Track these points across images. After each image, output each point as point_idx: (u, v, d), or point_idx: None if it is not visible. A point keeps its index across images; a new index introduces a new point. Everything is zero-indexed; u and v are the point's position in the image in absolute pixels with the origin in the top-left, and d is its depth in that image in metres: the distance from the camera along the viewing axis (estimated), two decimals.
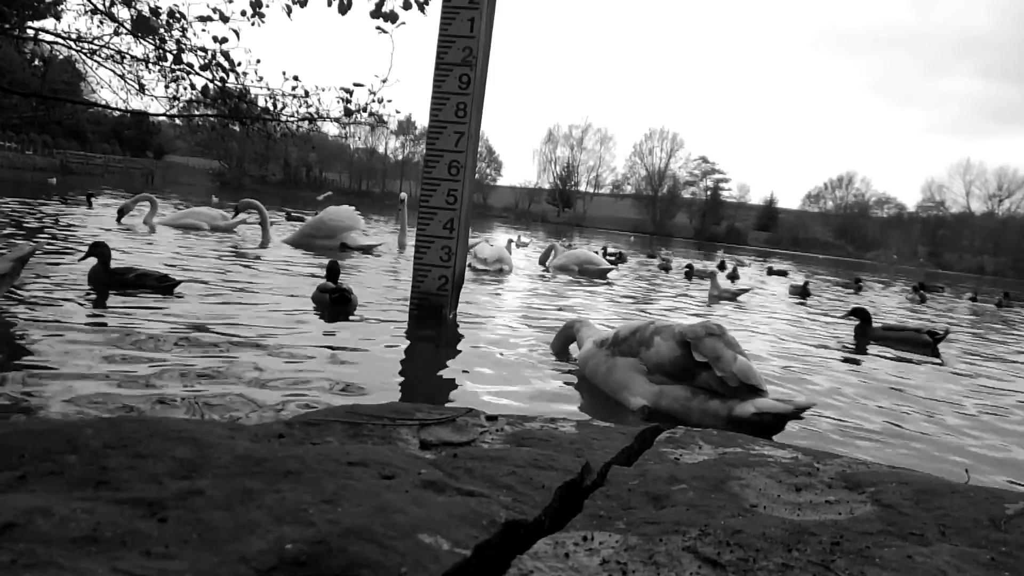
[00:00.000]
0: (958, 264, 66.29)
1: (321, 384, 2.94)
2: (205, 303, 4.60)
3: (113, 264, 4.87)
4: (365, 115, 7.05)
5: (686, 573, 0.94)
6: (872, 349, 6.19)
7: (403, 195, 12.19)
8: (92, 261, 4.85)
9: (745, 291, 9.73)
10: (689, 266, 14.12)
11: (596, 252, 12.98)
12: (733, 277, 13.96)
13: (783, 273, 18.93)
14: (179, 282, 4.97)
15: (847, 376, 4.69)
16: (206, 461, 1.10)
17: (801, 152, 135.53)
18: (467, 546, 0.90)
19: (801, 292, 11.89)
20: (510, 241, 14.48)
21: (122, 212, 10.20)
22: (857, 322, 6.81)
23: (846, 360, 5.43)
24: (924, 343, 6.55)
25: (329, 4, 5.89)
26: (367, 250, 9.43)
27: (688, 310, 7.91)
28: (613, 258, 15.02)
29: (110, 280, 4.75)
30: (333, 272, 5.36)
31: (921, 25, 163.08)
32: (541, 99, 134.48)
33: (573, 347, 4.27)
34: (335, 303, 4.88)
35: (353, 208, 9.91)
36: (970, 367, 5.85)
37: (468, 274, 6.03)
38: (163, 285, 4.81)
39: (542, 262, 11.64)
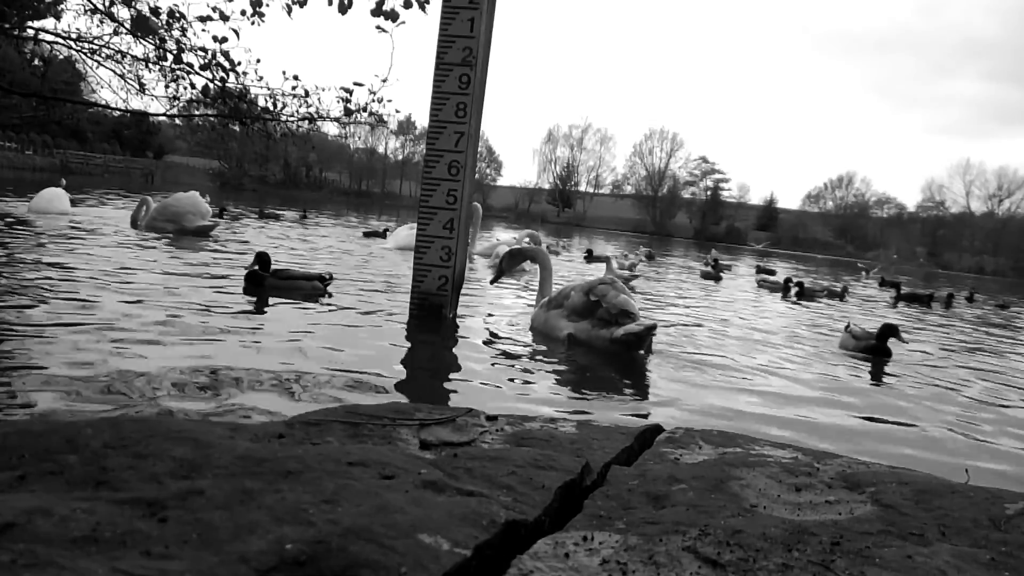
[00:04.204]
0: (957, 264, 66.21)
1: (321, 384, 2.94)
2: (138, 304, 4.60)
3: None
4: (365, 115, 7.03)
5: (686, 573, 0.94)
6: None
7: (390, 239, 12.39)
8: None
9: (636, 276, 10.99)
10: (588, 251, 15.82)
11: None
12: (632, 267, 13.93)
13: (771, 272, 18.84)
14: None
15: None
16: (206, 461, 1.10)
17: (801, 152, 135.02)
18: (467, 546, 0.90)
19: (801, 294, 11.66)
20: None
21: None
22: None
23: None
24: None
25: (329, 3, 5.88)
26: (202, 232, 9.97)
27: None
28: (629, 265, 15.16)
29: None
30: (264, 260, 5.59)
31: (926, 28, 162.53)
32: (541, 99, 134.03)
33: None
34: (326, 286, 5.65)
35: (197, 194, 10.48)
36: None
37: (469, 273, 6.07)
38: None
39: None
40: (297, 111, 7.21)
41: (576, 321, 4.51)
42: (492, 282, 5.86)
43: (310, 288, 5.55)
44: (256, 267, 5.57)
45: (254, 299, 5.07)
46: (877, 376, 4.90)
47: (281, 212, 18.98)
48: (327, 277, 5.75)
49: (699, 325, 6.46)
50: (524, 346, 4.44)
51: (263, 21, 6.31)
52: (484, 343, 4.38)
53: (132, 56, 6.99)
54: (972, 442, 3.34)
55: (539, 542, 1.01)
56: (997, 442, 3.39)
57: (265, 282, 5.47)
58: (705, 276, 14.39)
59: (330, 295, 5.56)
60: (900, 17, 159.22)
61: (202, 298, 4.73)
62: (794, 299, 11.23)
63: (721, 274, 14.82)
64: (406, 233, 11.21)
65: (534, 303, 5.23)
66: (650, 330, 4.30)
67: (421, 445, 1.41)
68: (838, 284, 14.20)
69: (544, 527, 1.09)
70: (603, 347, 4.36)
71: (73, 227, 8.91)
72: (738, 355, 4.95)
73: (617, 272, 10.52)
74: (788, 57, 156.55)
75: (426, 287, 4.74)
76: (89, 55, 7.10)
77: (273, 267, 5.69)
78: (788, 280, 12.54)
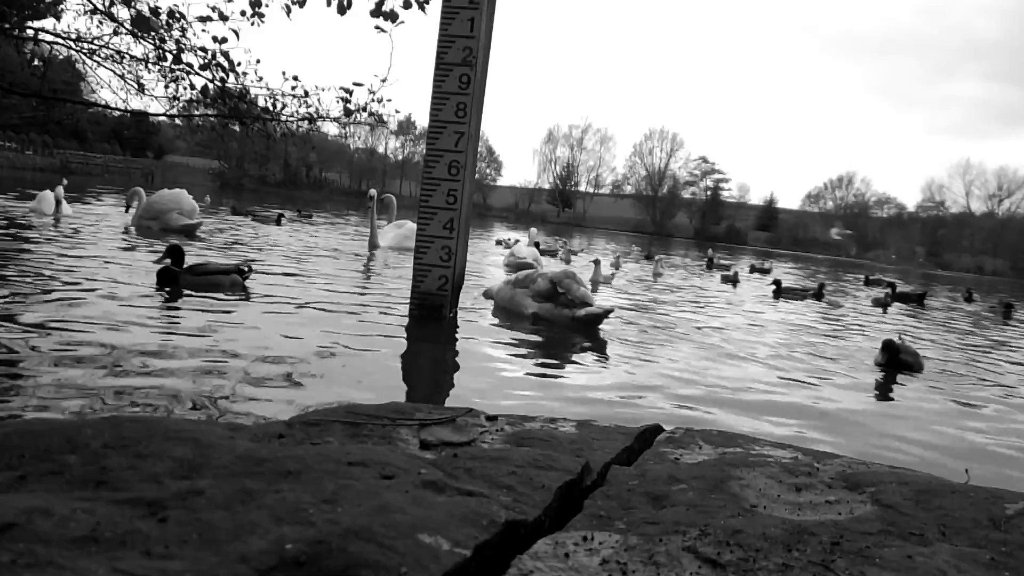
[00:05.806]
0: (957, 264, 66.12)
1: (321, 384, 2.94)
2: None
3: None
4: (365, 115, 7.02)
5: (686, 573, 0.94)
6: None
7: (372, 192, 11.88)
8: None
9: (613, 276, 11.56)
10: (536, 244, 16.24)
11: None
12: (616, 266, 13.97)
13: (766, 271, 18.81)
14: None
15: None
16: (206, 461, 1.10)
17: (801, 152, 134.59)
18: (467, 546, 0.90)
19: (779, 292, 11.63)
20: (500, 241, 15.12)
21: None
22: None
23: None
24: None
25: (328, 4, 5.88)
26: (187, 231, 9.67)
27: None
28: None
29: None
30: (177, 253, 5.27)
31: (929, 30, 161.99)
32: (541, 99, 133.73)
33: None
34: (245, 279, 5.38)
35: (183, 192, 10.27)
36: None
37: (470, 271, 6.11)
38: None
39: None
40: (297, 111, 7.20)
41: (540, 302, 5.46)
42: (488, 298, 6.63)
43: (229, 283, 5.20)
44: (168, 262, 5.18)
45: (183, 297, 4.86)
46: (890, 385, 4.74)
47: (253, 209, 18.34)
48: (246, 269, 5.42)
49: (709, 327, 6.46)
50: (523, 346, 4.44)
51: (263, 22, 6.30)
52: (484, 342, 4.38)
53: (132, 56, 6.99)
54: (973, 442, 3.34)
55: (539, 542, 1.01)
56: (998, 442, 3.39)
57: (179, 279, 5.04)
58: (724, 280, 14.41)
59: (246, 291, 5.18)
60: (902, 19, 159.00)
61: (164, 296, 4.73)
62: (773, 297, 11.29)
63: (739, 277, 14.80)
64: (393, 233, 11.25)
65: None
66: (607, 312, 5.29)
67: (421, 445, 1.41)
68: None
69: (544, 527, 1.09)
70: (564, 324, 5.26)
71: (62, 227, 8.87)
72: (746, 358, 4.95)
73: (605, 275, 10.75)
74: (788, 57, 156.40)
75: (426, 287, 4.74)
76: (89, 55, 7.10)
77: (188, 263, 5.32)
78: (815, 287, 12.45)
